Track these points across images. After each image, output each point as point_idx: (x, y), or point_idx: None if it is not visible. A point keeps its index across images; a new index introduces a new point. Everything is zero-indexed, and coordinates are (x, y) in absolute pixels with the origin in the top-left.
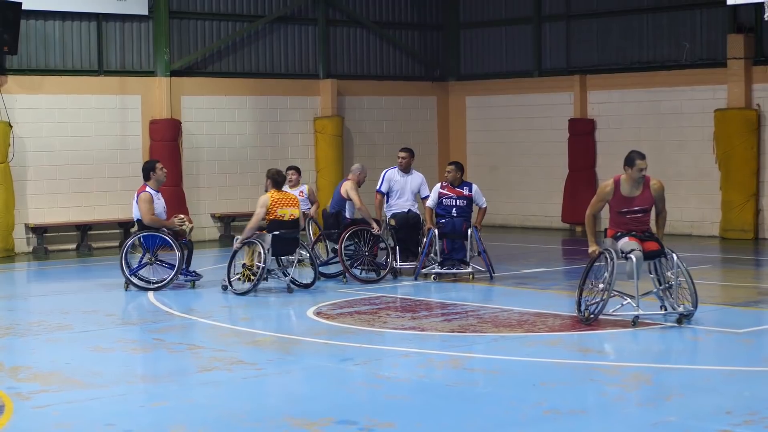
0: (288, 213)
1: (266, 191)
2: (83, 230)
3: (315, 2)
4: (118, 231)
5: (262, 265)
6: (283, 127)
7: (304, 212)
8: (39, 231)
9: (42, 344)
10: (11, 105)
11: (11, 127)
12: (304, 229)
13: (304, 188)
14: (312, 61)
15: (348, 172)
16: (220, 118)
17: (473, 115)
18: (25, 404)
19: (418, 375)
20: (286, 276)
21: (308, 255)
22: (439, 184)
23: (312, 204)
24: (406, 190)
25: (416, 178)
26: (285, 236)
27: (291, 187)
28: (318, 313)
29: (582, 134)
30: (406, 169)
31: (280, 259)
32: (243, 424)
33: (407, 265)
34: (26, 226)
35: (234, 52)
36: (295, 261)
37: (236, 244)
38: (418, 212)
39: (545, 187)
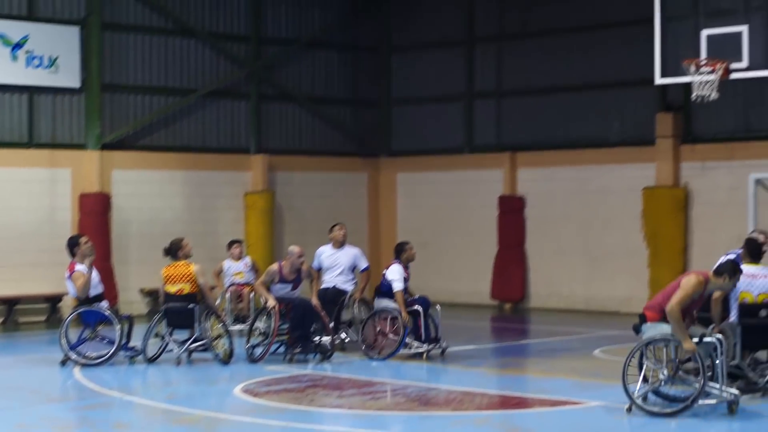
0: (174, 288)
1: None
2: (10, 305)
3: (248, 77)
4: (45, 306)
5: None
6: (213, 202)
7: (249, 283)
8: None
9: None
10: None
11: None
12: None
13: (248, 260)
14: (244, 136)
15: (279, 247)
16: (150, 193)
17: (404, 191)
18: None
19: None
20: (180, 348)
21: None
22: (399, 265)
23: (255, 274)
24: (340, 264)
25: (349, 252)
26: (173, 309)
27: (235, 260)
28: (246, 391)
29: (512, 211)
30: (338, 245)
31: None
32: None
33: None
34: None
35: (166, 126)
36: (193, 337)
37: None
38: (346, 287)
39: (475, 263)
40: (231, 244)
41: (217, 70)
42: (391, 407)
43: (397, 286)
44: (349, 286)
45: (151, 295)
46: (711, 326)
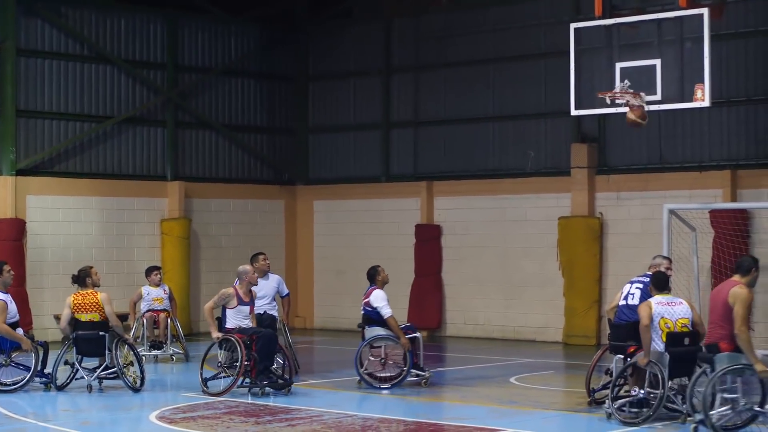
0: (83, 317)
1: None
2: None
3: (164, 104)
4: None
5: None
6: (129, 228)
7: (167, 310)
8: None
9: None
10: None
11: None
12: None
13: (165, 287)
14: (160, 162)
15: (195, 274)
16: (65, 219)
17: (321, 219)
18: None
19: None
20: (90, 376)
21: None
22: (380, 290)
23: (171, 301)
24: (266, 293)
25: (273, 280)
26: (84, 337)
27: (154, 286)
28: (161, 417)
29: (428, 239)
30: (263, 274)
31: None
32: None
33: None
34: None
35: (81, 153)
36: (104, 365)
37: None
38: (274, 314)
39: (392, 291)
40: (150, 270)
41: (133, 96)
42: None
43: (387, 311)
44: (275, 312)
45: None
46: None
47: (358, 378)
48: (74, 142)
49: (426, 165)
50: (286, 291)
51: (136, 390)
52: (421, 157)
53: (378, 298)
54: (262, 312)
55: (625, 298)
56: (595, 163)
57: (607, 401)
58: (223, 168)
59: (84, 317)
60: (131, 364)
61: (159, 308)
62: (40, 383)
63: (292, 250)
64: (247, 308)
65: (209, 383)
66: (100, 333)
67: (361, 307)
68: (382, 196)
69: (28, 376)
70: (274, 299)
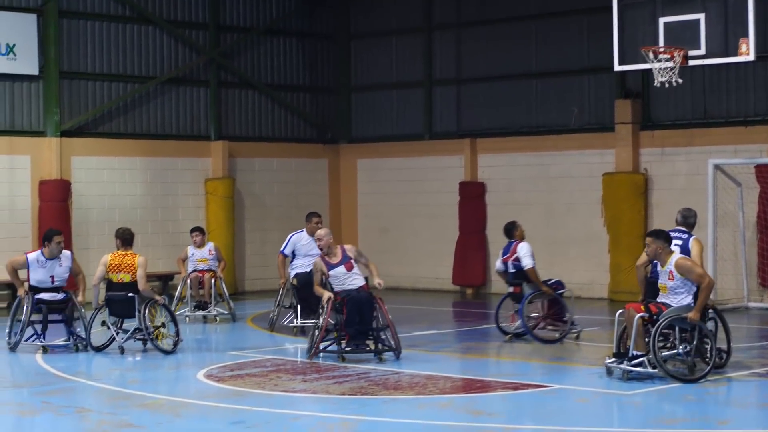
0: (116, 277)
1: (117, 249)
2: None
3: (207, 64)
4: (6, 292)
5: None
6: (173, 188)
7: (212, 270)
8: None
9: None
10: None
11: None
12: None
13: (211, 246)
14: (203, 122)
15: (239, 233)
16: (110, 179)
17: (364, 177)
18: None
19: None
20: (120, 338)
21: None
22: (523, 242)
23: (219, 261)
24: (313, 252)
25: None
26: (115, 298)
27: (197, 247)
28: (208, 376)
29: (472, 197)
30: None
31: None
32: None
33: (309, 322)
34: None
35: (125, 113)
36: (135, 327)
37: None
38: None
39: (436, 249)
40: (191, 231)
41: (176, 57)
42: (355, 391)
43: (529, 262)
44: None
45: None
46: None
47: (508, 335)
48: (118, 103)
49: (469, 122)
50: None
51: (167, 353)
52: (464, 115)
53: (525, 249)
54: (309, 270)
55: None
56: (639, 118)
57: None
58: (266, 127)
59: (115, 277)
60: (163, 326)
61: (203, 268)
62: (72, 344)
63: (336, 209)
64: (341, 268)
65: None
66: (129, 294)
67: (499, 266)
68: (426, 154)
69: (75, 335)
70: None
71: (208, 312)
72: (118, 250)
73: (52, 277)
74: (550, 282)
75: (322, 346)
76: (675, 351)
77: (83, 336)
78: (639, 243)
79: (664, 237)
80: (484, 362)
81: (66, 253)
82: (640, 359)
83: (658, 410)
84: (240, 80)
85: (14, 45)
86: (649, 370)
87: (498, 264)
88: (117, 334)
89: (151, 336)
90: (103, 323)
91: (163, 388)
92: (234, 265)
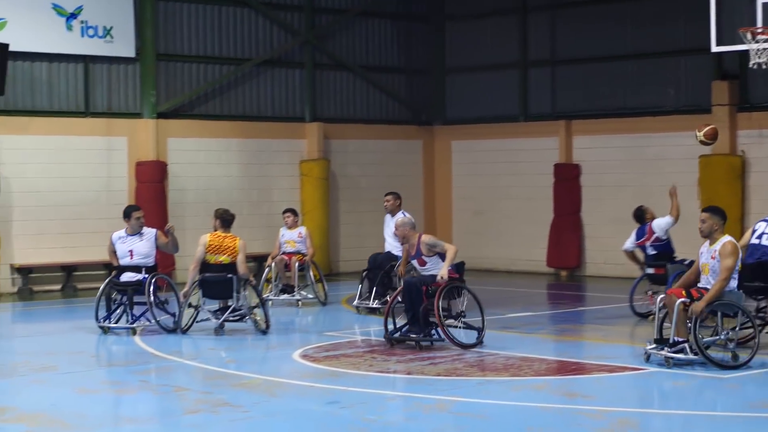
0: (214, 258)
1: (215, 230)
2: (68, 271)
3: (302, 46)
4: (103, 272)
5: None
6: (269, 170)
7: (300, 253)
8: (24, 271)
9: (27, 385)
10: None
11: None
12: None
13: (303, 230)
14: (298, 104)
15: (334, 215)
16: (206, 161)
17: (459, 159)
18: None
19: (404, 419)
20: (216, 318)
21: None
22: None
23: (308, 247)
24: (389, 231)
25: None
26: (211, 279)
27: (289, 228)
28: (304, 356)
29: (567, 179)
30: (392, 212)
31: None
32: None
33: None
34: (11, 266)
35: (221, 95)
36: (231, 307)
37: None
38: (396, 254)
39: (531, 231)
40: (283, 212)
41: (271, 38)
42: (450, 372)
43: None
44: (398, 252)
45: None
46: None
47: (649, 316)
48: (213, 85)
49: (564, 104)
50: None
51: (263, 332)
52: (559, 96)
53: (664, 223)
54: (385, 251)
55: (759, 237)
56: (737, 100)
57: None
58: (361, 109)
59: (213, 259)
60: (257, 306)
61: (290, 251)
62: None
63: (430, 191)
64: (414, 262)
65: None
66: (228, 276)
67: (629, 245)
68: (520, 135)
69: (174, 314)
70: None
71: (292, 296)
72: (217, 230)
73: (131, 251)
74: (686, 262)
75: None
76: (717, 337)
77: (151, 320)
78: (736, 225)
79: (721, 214)
80: (579, 344)
81: (149, 229)
82: (681, 345)
83: (756, 395)
84: (335, 62)
85: (111, 28)
86: (690, 356)
87: (627, 244)
88: (216, 313)
89: (251, 315)
90: (190, 305)
91: (259, 367)
92: (328, 246)
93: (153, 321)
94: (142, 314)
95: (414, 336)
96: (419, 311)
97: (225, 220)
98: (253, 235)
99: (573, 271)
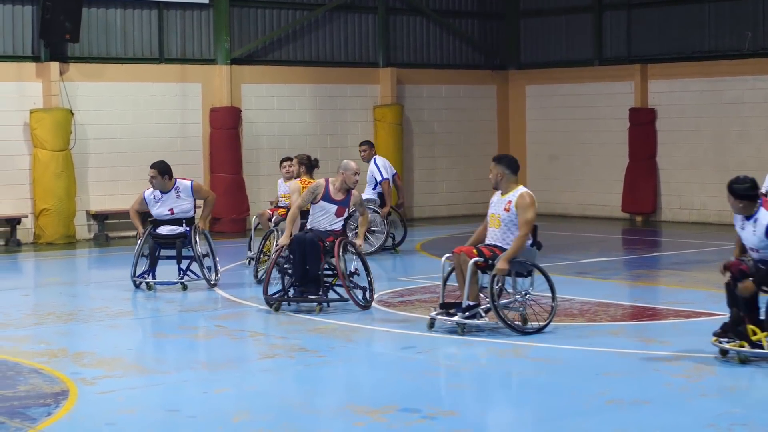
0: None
1: (298, 176)
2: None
3: None
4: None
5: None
6: (342, 115)
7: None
8: (100, 218)
9: (104, 330)
10: (73, 93)
11: (73, 114)
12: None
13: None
14: (372, 49)
15: (408, 160)
16: (279, 107)
17: (533, 104)
18: (89, 389)
19: (480, 364)
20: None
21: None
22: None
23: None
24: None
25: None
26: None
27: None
28: (379, 301)
29: (643, 124)
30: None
31: None
32: (305, 411)
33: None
34: (87, 213)
35: (294, 41)
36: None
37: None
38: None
39: (605, 176)
40: (282, 162)
41: None
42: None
43: None
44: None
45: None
46: None
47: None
48: (287, 30)
49: (639, 47)
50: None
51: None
52: (634, 40)
53: None
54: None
55: None
56: None
57: None
58: (435, 54)
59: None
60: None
61: (285, 206)
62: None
63: (504, 136)
64: (333, 208)
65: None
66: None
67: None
68: (595, 79)
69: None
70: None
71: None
72: (301, 176)
73: (171, 209)
74: None
75: (271, 290)
76: (512, 299)
77: (198, 275)
78: None
79: (507, 163)
80: (654, 290)
81: (183, 183)
82: (474, 310)
83: None
84: (408, 6)
85: None
86: (481, 322)
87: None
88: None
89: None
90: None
91: (334, 313)
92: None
93: (200, 275)
94: (188, 267)
95: (313, 297)
96: (316, 270)
97: (309, 165)
98: None
99: (648, 217)
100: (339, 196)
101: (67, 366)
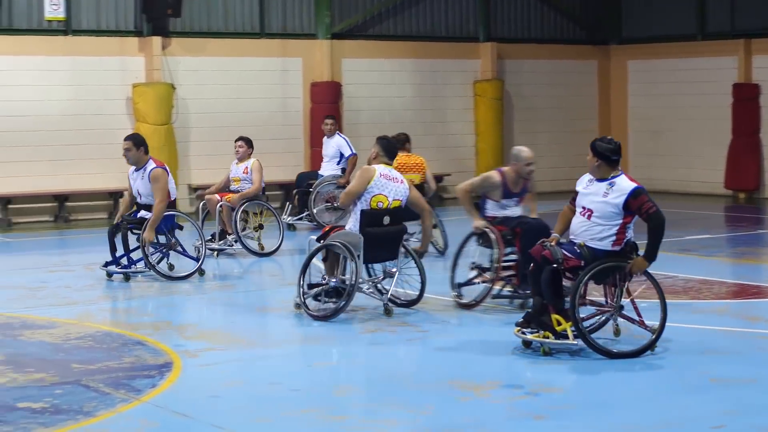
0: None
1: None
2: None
3: None
4: (279, 192)
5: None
6: (442, 90)
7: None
8: (199, 191)
9: (207, 303)
10: (175, 67)
11: (174, 88)
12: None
13: (250, 164)
14: (472, 24)
15: (508, 136)
16: (380, 81)
17: (635, 79)
18: (193, 361)
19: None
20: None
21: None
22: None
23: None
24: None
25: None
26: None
27: (239, 162)
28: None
29: (746, 99)
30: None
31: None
32: (408, 385)
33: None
34: (189, 186)
35: (395, 15)
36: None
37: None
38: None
39: (708, 152)
40: (236, 141)
41: None
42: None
43: None
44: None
45: None
46: None
47: None
48: (387, 5)
49: (743, 22)
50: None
51: (441, 253)
52: (738, 14)
53: None
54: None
55: None
56: None
57: None
58: (535, 28)
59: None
60: (435, 226)
61: (234, 189)
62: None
63: (605, 112)
64: (513, 202)
65: (463, 289)
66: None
67: None
68: (698, 54)
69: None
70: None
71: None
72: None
73: (139, 191)
74: None
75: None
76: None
77: (134, 268)
78: None
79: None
80: (759, 267)
81: (150, 164)
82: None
83: None
84: None
85: None
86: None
87: None
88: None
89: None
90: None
91: (437, 288)
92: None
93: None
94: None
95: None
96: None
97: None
98: (427, 155)
99: (752, 194)
100: (517, 188)
101: (171, 338)
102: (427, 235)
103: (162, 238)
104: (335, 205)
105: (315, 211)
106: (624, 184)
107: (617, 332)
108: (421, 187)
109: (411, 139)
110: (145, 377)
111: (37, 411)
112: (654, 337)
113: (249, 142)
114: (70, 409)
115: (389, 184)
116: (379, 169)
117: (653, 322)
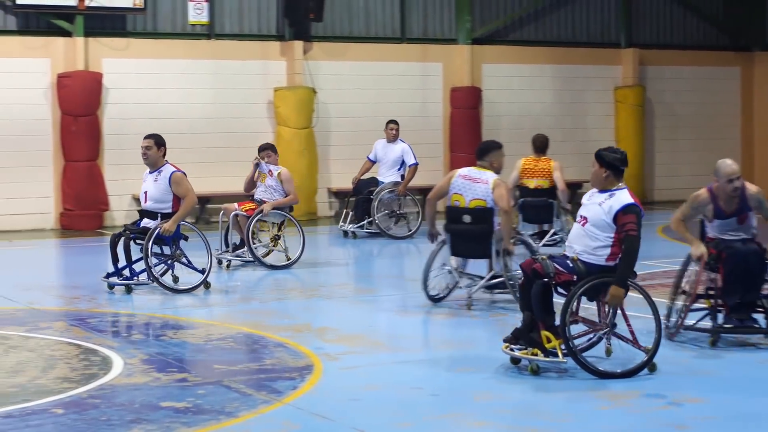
0: (533, 183)
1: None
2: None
3: None
4: (420, 197)
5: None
6: (582, 96)
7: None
8: (341, 195)
9: (347, 307)
10: (316, 71)
11: (315, 93)
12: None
13: (277, 172)
14: (614, 29)
15: (648, 143)
16: (520, 87)
17: None
18: (333, 364)
19: (728, 351)
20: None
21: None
22: None
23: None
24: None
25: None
26: (531, 203)
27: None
28: None
29: None
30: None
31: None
32: (547, 395)
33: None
34: (328, 190)
35: (535, 20)
36: (552, 231)
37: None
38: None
39: None
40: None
41: None
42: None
43: None
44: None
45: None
46: None
47: None
48: (528, 10)
49: None
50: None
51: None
52: None
53: None
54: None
55: None
56: None
57: None
58: (678, 34)
59: (532, 183)
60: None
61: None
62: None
63: (748, 120)
64: (732, 222)
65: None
66: (549, 200)
67: None
68: None
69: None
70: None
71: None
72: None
73: (146, 193)
74: None
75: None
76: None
77: (136, 279)
78: None
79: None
80: None
81: (168, 168)
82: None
83: None
84: None
85: None
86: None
87: None
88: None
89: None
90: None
91: None
92: (643, 174)
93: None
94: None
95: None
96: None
97: (541, 145)
98: (567, 161)
99: None
100: (731, 207)
101: (311, 341)
102: (504, 234)
103: (166, 249)
104: (396, 212)
105: (377, 217)
106: (623, 197)
107: (609, 352)
108: (552, 191)
109: (549, 143)
110: (286, 379)
111: (180, 411)
112: (647, 357)
113: (274, 149)
114: (212, 410)
115: (468, 185)
116: (461, 170)
117: (647, 344)
